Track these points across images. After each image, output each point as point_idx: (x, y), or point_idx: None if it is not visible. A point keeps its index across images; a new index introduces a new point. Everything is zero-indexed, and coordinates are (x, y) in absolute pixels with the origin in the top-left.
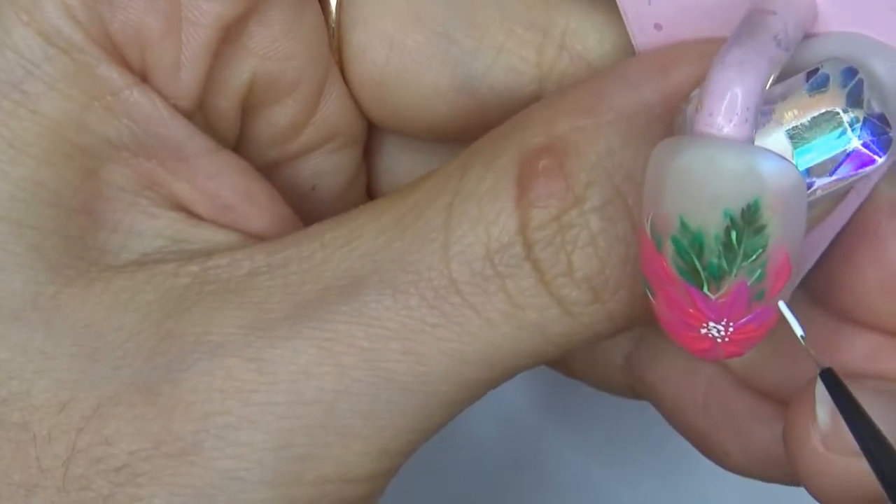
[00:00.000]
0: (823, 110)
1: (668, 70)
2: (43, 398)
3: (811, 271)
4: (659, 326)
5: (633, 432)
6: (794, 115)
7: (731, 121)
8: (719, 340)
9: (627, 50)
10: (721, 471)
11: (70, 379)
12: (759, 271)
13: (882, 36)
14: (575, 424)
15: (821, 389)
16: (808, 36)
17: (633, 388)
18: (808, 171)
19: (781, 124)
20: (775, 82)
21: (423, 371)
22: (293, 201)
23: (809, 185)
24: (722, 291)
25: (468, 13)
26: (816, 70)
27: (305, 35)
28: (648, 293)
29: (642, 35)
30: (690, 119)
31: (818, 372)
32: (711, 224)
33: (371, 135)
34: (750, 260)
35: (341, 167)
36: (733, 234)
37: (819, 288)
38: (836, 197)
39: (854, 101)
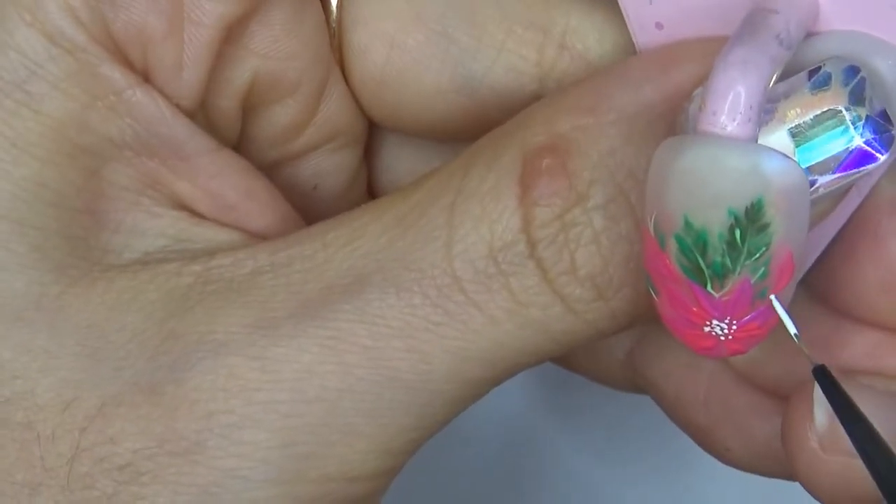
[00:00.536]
0: (826, 108)
1: (669, 69)
2: (47, 397)
3: (812, 269)
4: (661, 323)
5: (634, 432)
6: (797, 114)
7: (734, 120)
8: (722, 338)
9: (628, 49)
10: (722, 471)
11: (74, 378)
12: (762, 269)
13: (884, 34)
14: (575, 424)
15: (819, 391)
16: (810, 34)
17: (635, 383)
18: (811, 170)
19: (784, 123)
20: (778, 81)
21: (426, 369)
22: (294, 201)
23: (812, 184)
24: (725, 289)
25: (468, 13)
26: (818, 68)
27: (306, 35)
28: (652, 291)
29: (643, 34)
30: (693, 118)
31: (811, 369)
32: (715, 222)
33: (372, 134)
34: (753, 258)
35: (342, 166)
36: (737, 233)
37: (819, 285)
38: (838, 195)
39: (856, 99)
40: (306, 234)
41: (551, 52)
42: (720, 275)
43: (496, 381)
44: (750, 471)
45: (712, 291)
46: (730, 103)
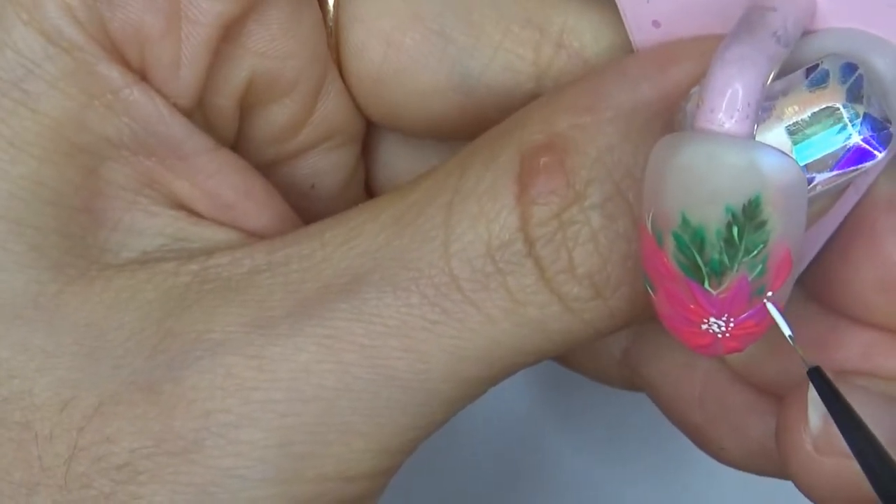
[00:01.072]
0: (823, 106)
1: (666, 67)
2: (44, 397)
3: (808, 267)
4: (657, 322)
5: (633, 432)
6: (795, 111)
7: (731, 117)
8: (720, 336)
9: (625, 47)
10: (721, 470)
11: (71, 378)
12: (759, 267)
13: (881, 31)
14: (575, 424)
15: (813, 392)
16: (807, 32)
17: (631, 381)
18: (809, 167)
19: (782, 120)
20: (775, 78)
21: (423, 368)
22: (292, 200)
23: (810, 181)
24: (723, 287)
25: (465, 12)
26: (816, 66)
27: (304, 34)
28: (649, 289)
29: (640, 32)
30: (690, 116)
31: (806, 370)
32: (713, 220)
33: (369, 133)
34: (751, 255)
35: (340, 165)
36: (734, 230)
37: (815, 284)
38: (836, 192)
39: (854, 96)
40: (304, 233)
41: (548, 50)
42: (718, 272)
43: (493, 380)
44: (744, 469)
45: (710, 289)
46: (727, 100)
